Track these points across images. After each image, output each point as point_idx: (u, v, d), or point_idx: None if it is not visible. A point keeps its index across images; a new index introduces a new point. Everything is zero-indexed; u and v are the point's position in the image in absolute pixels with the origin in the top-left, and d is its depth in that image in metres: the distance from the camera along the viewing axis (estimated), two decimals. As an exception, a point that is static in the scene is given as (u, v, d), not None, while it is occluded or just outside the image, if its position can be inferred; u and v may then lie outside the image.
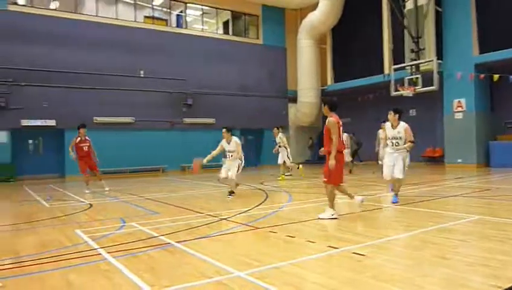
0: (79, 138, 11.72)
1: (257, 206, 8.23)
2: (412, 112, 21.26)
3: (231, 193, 9.79)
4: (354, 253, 4.47)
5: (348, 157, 15.48)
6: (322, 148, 6.50)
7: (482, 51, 17.43)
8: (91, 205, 9.11)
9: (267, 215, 7.12)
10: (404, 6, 18.67)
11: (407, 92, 18.08)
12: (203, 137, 20.39)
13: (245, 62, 23.33)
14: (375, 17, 21.53)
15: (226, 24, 23.97)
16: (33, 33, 17.56)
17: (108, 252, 4.79)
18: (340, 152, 6.46)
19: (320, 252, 4.61)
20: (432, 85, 17.31)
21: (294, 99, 24.68)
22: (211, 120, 21.69)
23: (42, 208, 9.03)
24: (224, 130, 9.86)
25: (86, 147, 11.73)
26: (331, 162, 6.27)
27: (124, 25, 19.80)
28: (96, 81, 18.67)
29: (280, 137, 14.94)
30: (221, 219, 6.86)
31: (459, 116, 18.07)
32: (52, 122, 17.83)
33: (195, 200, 9.90)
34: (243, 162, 9.96)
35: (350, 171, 16.07)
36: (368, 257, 4.32)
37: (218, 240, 5.42)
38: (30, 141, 18.25)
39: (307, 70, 23.79)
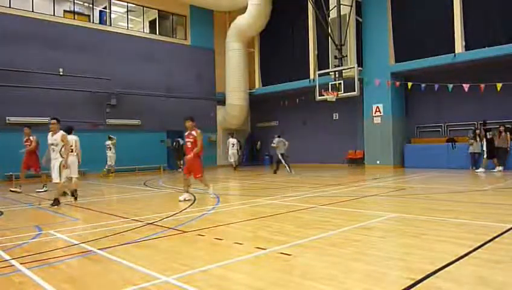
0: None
1: (184, 209, 8.10)
2: (335, 116, 22.26)
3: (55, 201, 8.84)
4: (281, 253, 4.56)
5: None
6: None
7: (397, 60, 18.73)
8: (1, 213, 8.37)
9: (194, 219, 7.03)
10: (328, 15, 19.50)
11: (330, 96, 18.92)
12: (129, 139, 19.73)
13: (172, 63, 22.91)
14: (301, 24, 22.27)
15: (152, 23, 23.36)
16: None
17: (21, 263, 4.43)
18: None
19: (248, 253, 4.64)
20: (354, 91, 18.28)
21: (222, 102, 24.69)
22: (137, 121, 20.99)
23: None
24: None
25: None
26: None
27: (42, 19, 18.49)
28: (9, 78, 17.21)
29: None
30: (148, 224, 6.65)
31: (377, 120, 19.22)
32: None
33: (119, 204, 9.51)
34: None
35: (275, 172, 16.41)
36: (295, 257, 4.42)
37: (144, 246, 5.24)
38: None
39: (235, 73, 23.93)
